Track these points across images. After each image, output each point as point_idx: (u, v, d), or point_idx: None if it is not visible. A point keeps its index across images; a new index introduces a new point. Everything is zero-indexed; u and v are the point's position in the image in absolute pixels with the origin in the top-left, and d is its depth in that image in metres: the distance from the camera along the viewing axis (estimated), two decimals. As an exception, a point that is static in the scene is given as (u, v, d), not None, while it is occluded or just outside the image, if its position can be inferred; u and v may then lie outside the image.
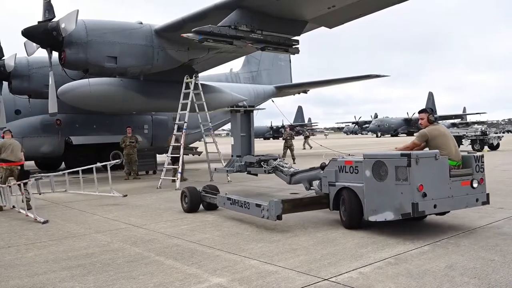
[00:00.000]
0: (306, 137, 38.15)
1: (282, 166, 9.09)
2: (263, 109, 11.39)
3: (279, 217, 6.18)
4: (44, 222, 7.54)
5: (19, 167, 9.39)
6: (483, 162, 6.10)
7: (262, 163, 9.60)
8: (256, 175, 10.66)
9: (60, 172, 10.04)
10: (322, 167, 7.15)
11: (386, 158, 5.70)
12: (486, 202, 6.03)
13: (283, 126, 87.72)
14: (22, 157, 9.58)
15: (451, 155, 6.06)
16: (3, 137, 9.87)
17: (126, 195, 9.21)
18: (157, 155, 18.54)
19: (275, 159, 9.51)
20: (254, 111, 11.41)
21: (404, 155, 5.47)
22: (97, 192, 9.32)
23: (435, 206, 5.49)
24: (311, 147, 35.07)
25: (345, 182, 6.34)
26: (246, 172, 10.31)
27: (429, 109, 6.78)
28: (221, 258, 5.05)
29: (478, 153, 6.20)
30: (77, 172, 10.16)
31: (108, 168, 9.45)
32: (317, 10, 12.57)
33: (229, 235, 6.22)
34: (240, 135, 10.49)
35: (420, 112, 6.84)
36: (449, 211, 6.16)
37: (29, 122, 18.06)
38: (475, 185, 5.90)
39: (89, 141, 18.55)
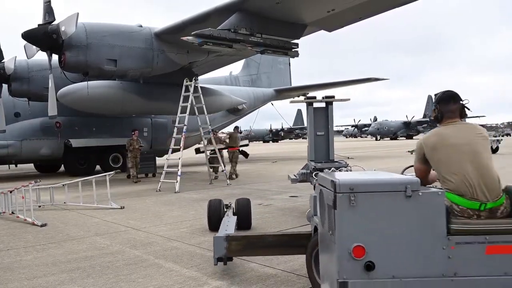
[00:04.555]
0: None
1: None
2: (347, 99, 8.61)
3: (220, 260, 4.41)
4: (42, 225, 7.53)
5: None
6: None
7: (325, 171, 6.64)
8: None
9: (59, 184, 10.05)
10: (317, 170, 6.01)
11: (325, 185, 3.20)
12: None
13: (282, 129, 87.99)
14: None
15: (460, 186, 3.16)
16: None
17: (123, 207, 9.26)
18: (157, 158, 18.56)
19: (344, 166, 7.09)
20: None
21: (333, 182, 2.96)
22: (96, 204, 9.37)
23: None
24: None
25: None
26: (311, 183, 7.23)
27: (449, 94, 3.50)
28: (220, 261, 5.04)
29: None
30: (76, 174, 10.15)
31: (107, 179, 9.46)
32: (317, 13, 12.62)
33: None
34: (315, 134, 7.83)
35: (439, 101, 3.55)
36: None
37: (29, 124, 18.08)
38: None
39: (88, 144, 18.55)
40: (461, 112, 3.43)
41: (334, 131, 8.10)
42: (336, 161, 7.46)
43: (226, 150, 15.77)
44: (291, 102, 10.07)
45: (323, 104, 7.74)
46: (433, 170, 3.43)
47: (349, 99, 8.70)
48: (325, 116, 7.75)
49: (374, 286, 2.87)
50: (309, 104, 7.77)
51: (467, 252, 2.90)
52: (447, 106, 3.41)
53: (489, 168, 3.17)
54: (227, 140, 15.93)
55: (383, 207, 2.90)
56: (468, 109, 3.47)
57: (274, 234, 4.74)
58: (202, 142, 15.65)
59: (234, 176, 14.93)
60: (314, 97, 7.86)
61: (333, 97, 7.72)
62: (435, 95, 3.58)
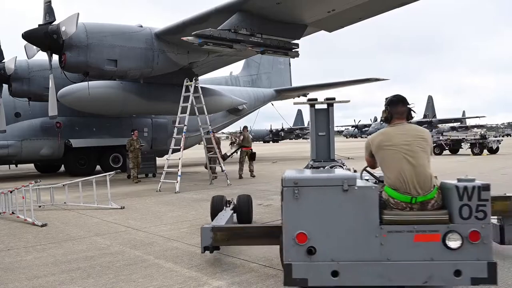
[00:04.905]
0: (232, 143, 37.11)
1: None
2: (347, 101, 8.92)
3: (207, 249, 4.74)
4: (42, 226, 7.53)
5: None
6: (486, 201, 3.30)
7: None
8: None
9: (60, 184, 10.06)
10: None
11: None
12: (487, 279, 3.28)
13: (282, 129, 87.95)
14: None
15: (396, 182, 3.56)
16: None
17: (123, 207, 9.27)
18: (157, 158, 18.57)
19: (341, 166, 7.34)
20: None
21: (282, 178, 3.49)
22: (96, 204, 9.38)
23: (335, 274, 3.32)
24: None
25: None
26: None
27: (398, 97, 3.90)
28: (220, 261, 5.05)
29: (474, 183, 3.36)
30: (76, 174, 10.14)
31: (108, 180, 9.47)
32: (317, 14, 12.62)
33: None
34: (317, 134, 8.12)
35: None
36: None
37: (29, 124, 18.08)
38: (452, 243, 3.27)
39: (89, 144, 18.56)
40: (408, 115, 3.85)
41: (334, 131, 8.31)
42: (334, 160, 7.66)
43: (239, 150, 16.28)
44: (294, 103, 10.91)
45: (324, 106, 7.92)
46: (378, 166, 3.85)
47: (349, 101, 8.90)
48: (327, 117, 7.97)
49: (315, 268, 3.29)
50: (311, 106, 8.01)
51: (397, 240, 3.28)
52: (396, 108, 3.82)
53: (423, 166, 3.53)
54: (239, 139, 16.49)
55: (323, 199, 3.33)
56: (414, 112, 3.90)
57: (255, 226, 5.17)
58: (231, 147, 16.35)
59: (253, 175, 15.54)
60: (316, 99, 8.13)
61: (334, 99, 7.91)
62: (386, 98, 3.93)
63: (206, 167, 14.87)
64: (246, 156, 16.02)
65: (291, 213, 3.37)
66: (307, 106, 7.83)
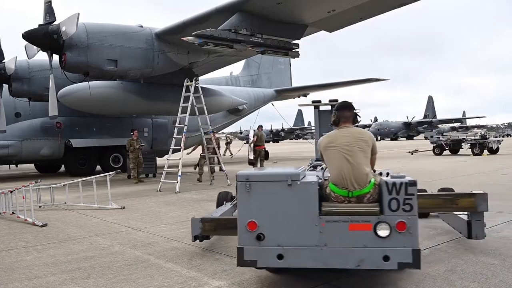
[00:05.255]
0: (228, 143, 37.51)
1: None
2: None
3: (197, 238, 5.23)
4: (42, 226, 7.53)
5: None
6: (412, 195, 3.66)
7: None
8: None
9: (60, 184, 10.06)
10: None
11: None
12: (412, 264, 3.62)
13: (282, 130, 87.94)
14: None
15: (336, 178, 3.98)
16: None
17: (124, 207, 9.27)
18: (157, 158, 18.57)
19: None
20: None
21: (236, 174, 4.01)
22: (96, 204, 9.38)
23: (280, 257, 3.75)
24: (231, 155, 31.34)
25: None
26: None
27: (345, 104, 4.39)
28: (221, 261, 5.04)
29: (402, 180, 3.72)
30: (77, 174, 10.15)
31: (108, 180, 9.47)
32: (317, 14, 12.63)
33: (229, 238, 6.20)
34: (321, 134, 8.42)
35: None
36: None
37: (29, 125, 18.10)
38: (382, 232, 3.65)
39: (89, 144, 18.57)
40: (353, 119, 4.30)
41: None
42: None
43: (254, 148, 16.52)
44: (300, 106, 10.96)
45: (328, 107, 8.37)
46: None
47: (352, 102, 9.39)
48: (329, 119, 8.16)
49: (263, 252, 3.78)
50: (316, 107, 8.49)
51: (334, 228, 3.71)
52: (343, 113, 4.26)
53: (360, 164, 3.96)
54: (254, 139, 16.72)
55: (270, 193, 3.80)
56: (359, 116, 4.37)
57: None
58: (249, 152, 16.43)
59: None
60: (320, 101, 8.68)
61: (337, 100, 8.09)
62: (335, 105, 4.45)
63: (195, 168, 14.92)
64: (259, 155, 16.28)
65: (243, 204, 3.85)
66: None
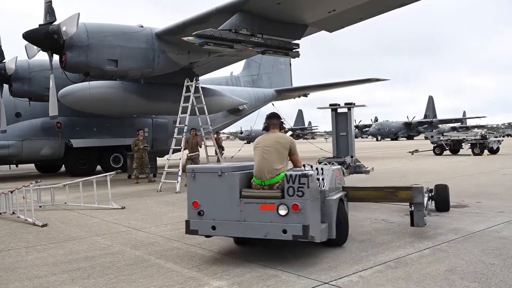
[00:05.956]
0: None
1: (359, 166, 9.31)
2: (363, 105, 10.36)
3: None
4: (43, 226, 7.53)
5: None
6: (303, 184, 4.67)
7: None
8: None
9: (60, 184, 10.07)
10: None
11: None
12: (302, 236, 4.60)
13: (283, 129, 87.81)
14: None
15: (256, 171, 5.18)
16: None
17: (124, 207, 9.27)
18: (157, 158, 18.55)
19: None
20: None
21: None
22: (97, 204, 9.38)
23: (213, 228, 4.97)
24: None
25: None
26: None
27: (273, 114, 5.68)
28: (221, 261, 5.05)
29: (298, 172, 4.81)
30: (77, 174, 10.14)
31: (108, 180, 9.47)
32: (318, 14, 12.63)
33: (229, 238, 6.20)
34: (338, 134, 9.78)
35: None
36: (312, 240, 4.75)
37: (30, 125, 18.09)
38: (282, 212, 4.69)
39: (89, 144, 18.56)
40: (280, 126, 5.53)
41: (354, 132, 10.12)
42: (336, 157, 9.53)
43: None
44: (318, 108, 11.60)
45: (345, 109, 9.52)
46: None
47: (365, 105, 10.58)
48: (346, 120, 9.74)
49: (202, 224, 5.05)
50: (333, 110, 9.67)
51: (250, 208, 4.90)
52: (271, 120, 5.51)
53: (272, 161, 5.13)
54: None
55: (207, 181, 5.09)
56: (284, 124, 5.73)
57: None
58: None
59: None
60: (338, 104, 9.77)
61: (352, 103, 9.66)
62: (267, 115, 5.64)
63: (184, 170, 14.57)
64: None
65: (190, 189, 5.17)
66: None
